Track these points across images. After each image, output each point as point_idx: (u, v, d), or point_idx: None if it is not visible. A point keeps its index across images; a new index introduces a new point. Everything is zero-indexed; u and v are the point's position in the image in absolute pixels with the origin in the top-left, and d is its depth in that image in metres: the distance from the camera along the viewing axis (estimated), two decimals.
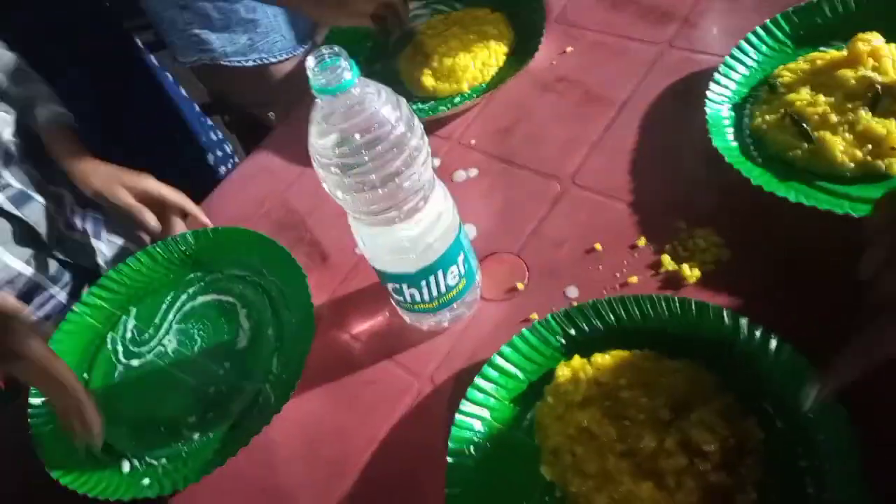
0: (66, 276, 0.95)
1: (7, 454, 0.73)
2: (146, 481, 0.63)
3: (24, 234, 0.89)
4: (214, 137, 1.41)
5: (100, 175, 0.89)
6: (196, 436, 0.66)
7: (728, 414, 0.50)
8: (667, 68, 0.80)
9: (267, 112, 1.27)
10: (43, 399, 0.71)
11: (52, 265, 0.93)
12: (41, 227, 0.89)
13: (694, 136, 0.69)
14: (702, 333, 0.55)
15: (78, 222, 0.97)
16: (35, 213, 0.89)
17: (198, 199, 0.91)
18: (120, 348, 0.77)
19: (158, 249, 0.81)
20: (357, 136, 0.48)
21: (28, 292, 0.92)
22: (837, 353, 0.42)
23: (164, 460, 0.65)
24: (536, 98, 0.83)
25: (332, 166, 0.49)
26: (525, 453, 0.56)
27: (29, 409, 0.70)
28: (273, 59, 1.18)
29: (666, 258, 0.63)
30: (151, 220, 0.86)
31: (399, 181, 0.50)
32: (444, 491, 0.54)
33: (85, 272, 0.97)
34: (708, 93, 0.70)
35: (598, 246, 0.67)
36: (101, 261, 0.98)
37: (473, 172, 0.78)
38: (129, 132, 1.26)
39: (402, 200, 0.52)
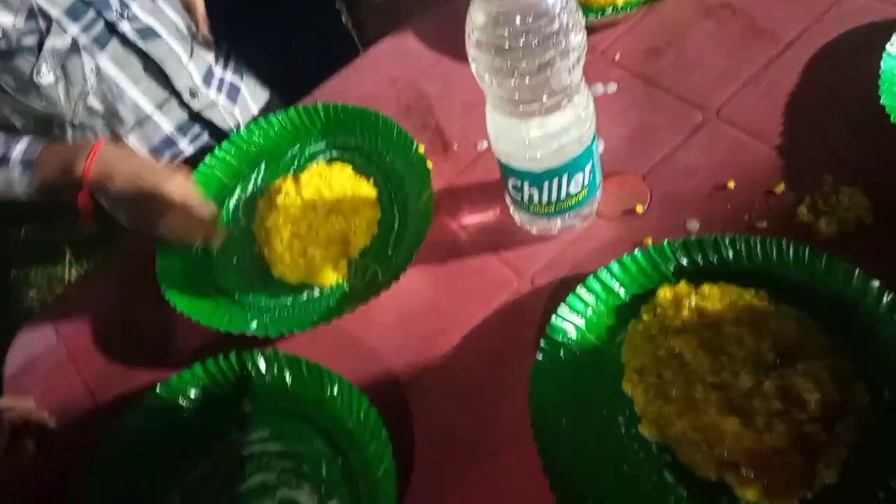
0: (197, 130, 1.01)
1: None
2: (254, 324, 0.69)
3: (154, 74, 0.93)
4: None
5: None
6: (306, 294, 0.71)
7: (837, 372, 0.49)
8: (846, 13, 0.73)
9: None
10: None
11: (184, 116, 0.98)
12: (169, 68, 0.93)
13: (861, 89, 0.64)
14: (826, 289, 0.53)
15: (216, 81, 1.01)
16: (161, 51, 0.92)
17: (329, 73, 0.93)
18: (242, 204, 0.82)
19: (290, 118, 0.84)
20: (518, 18, 0.47)
21: (159, 144, 0.98)
22: None
23: (275, 311, 0.70)
24: (695, 22, 0.79)
25: (486, 46, 0.49)
26: (612, 368, 0.56)
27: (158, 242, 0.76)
28: None
29: (803, 209, 0.60)
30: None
31: (549, 74, 0.50)
32: (528, 386, 0.55)
33: (216, 131, 1.02)
34: (888, 46, 0.64)
35: (730, 184, 0.64)
36: (232, 123, 1.02)
37: (612, 88, 0.76)
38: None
39: (546, 95, 0.52)
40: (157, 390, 0.65)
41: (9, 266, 2.03)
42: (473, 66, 0.52)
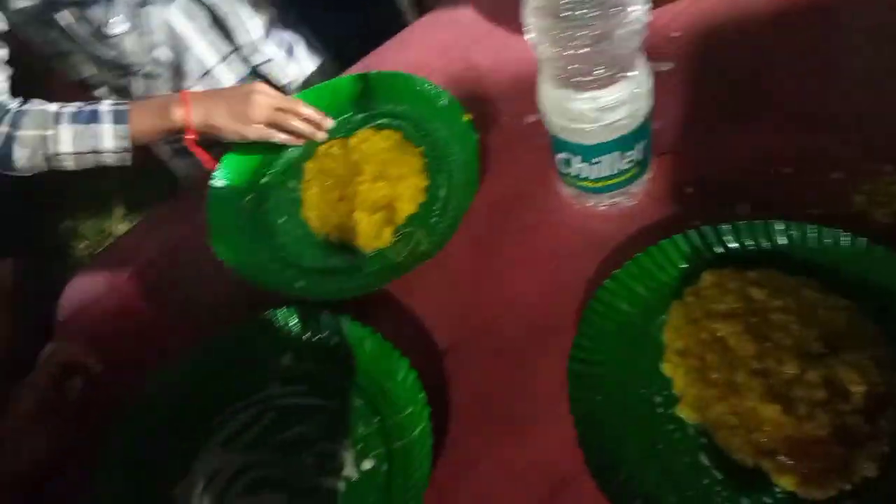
0: None
1: None
2: (299, 284, 0.70)
3: (218, 28, 0.94)
4: None
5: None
6: (350, 257, 0.72)
7: (884, 365, 0.48)
8: None
9: None
10: (221, 189, 0.79)
11: (244, 71, 1.00)
12: (231, 22, 0.94)
13: None
14: (878, 281, 0.52)
15: (276, 37, 1.02)
16: (225, 6, 0.93)
17: (383, 39, 0.93)
18: None
19: (341, 84, 0.85)
20: None
21: None
22: None
23: (320, 272, 0.72)
24: (762, 2, 0.76)
25: (545, 13, 0.49)
26: (652, 348, 0.56)
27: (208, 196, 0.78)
28: None
29: (860, 198, 0.58)
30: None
31: (609, 45, 0.49)
32: (566, 359, 0.56)
33: (272, 88, 1.03)
34: None
35: (786, 170, 0.63)
36: (286, 81, 1.04)
37: (669, 65, 0.74)
38: None
39: (604, 66, 0.51)
40: (203, 342, 0.67)
41: (60, 217, 2.10)
42: (530, 34, 0.52)
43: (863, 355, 0.48)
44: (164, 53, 0.92)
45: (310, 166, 0.78)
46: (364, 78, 0.84)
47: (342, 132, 0.83)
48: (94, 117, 0.80)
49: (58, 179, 0.87)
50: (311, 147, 0.83)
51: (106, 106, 0.81)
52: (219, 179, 0.80)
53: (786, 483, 0.47)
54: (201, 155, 0.82)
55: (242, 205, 0.80)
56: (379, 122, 0.82)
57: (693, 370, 0.53)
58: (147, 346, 0.74)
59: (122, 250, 0.87)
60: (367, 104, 0.84)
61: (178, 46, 0.92)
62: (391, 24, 0.98)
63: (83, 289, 0.83)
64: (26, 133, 0.80)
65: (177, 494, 0.62)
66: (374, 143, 0.76)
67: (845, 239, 0.53)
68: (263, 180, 0.82)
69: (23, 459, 0.65)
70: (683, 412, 0.52)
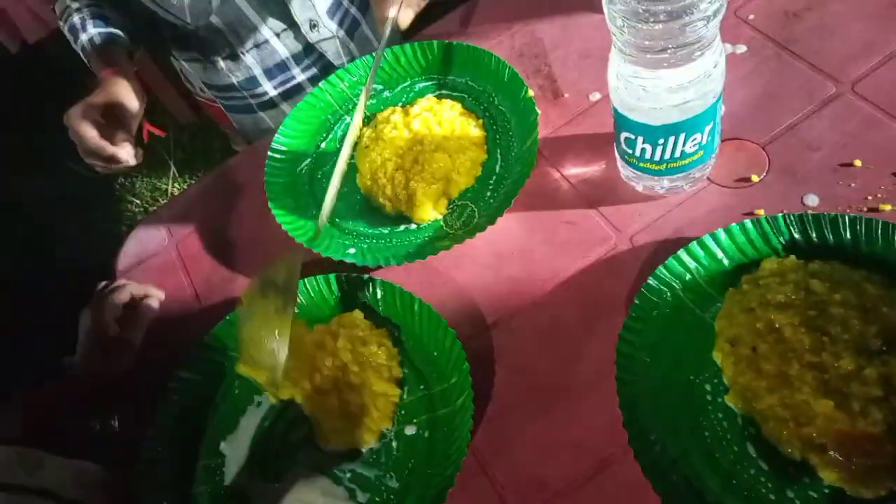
0: (310, 61, 1.03)
1: None
2: (352, 251, 0.71)
3: (277, 2, 0.95)
4: None
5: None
6: (403, 227, 0.72)
7: None
8: None
9: None
10: (280, 153, 0.80)
11: (299, 46, 1.00)
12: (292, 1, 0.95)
13: None
14: None
15: (341, 12, 1.02)
16: None
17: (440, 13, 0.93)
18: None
19: (403, 52, 0.84)
20: None
21: (273, 67, 1.01)
22: None
23: (373, 239, 0.72)
24: None
25: None
26: (704, 335, 0.56)
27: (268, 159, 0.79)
28: None
29: None
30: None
31: (685, 21, 0.48)
32: (615, 341, 0.55)
33: (328, 65, 1.04)
34: None
35: (857, 162, 0.61)
36: (345, 59, 1.04)
37: (741, 49, 0.72)
38: None
39: (678, 44, 0.50)
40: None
41: (115, 175, 2.17)
42: (607, 7, 0.51)
43: None
44: (217, 21, 0.93)
45: (367, 133, 0.79)
46: (427, 46, 0.83)
47: (403, 100, 0.83)
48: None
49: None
50: (371, 113, 0.83)
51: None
52: (278, 144, 0.81)
53: (834, 479, 0.46)
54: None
55: (301, 170, 0.81)
56: (441, 92, 0.82)
57: (744, 359, 0.52)
58: (205, 300, 0.77)
59: (185, 206, 0.89)
60: (430, 74, 0.84)
61: (231, 16, 0.93)
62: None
63: (145, 239, 0.86)
64: None
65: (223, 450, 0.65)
66: (435, 113, 0.75)
67: None
68: (322, 146, 0.83)
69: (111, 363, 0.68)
70: (732, 401, 0.52)
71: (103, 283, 0.74)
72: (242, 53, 0.98)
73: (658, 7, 0.47)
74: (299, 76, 1.04)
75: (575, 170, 0.71)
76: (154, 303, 0.74)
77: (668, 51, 0.50)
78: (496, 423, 0.59)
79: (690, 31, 0.49)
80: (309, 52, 1.02)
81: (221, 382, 0.68)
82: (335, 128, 0.84)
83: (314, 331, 0.66)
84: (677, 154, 0.59)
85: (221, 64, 1.00)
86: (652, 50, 0.51)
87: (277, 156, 0.81)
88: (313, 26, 0.99)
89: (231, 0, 0.91)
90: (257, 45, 0.98)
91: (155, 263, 0.83)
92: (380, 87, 0.86)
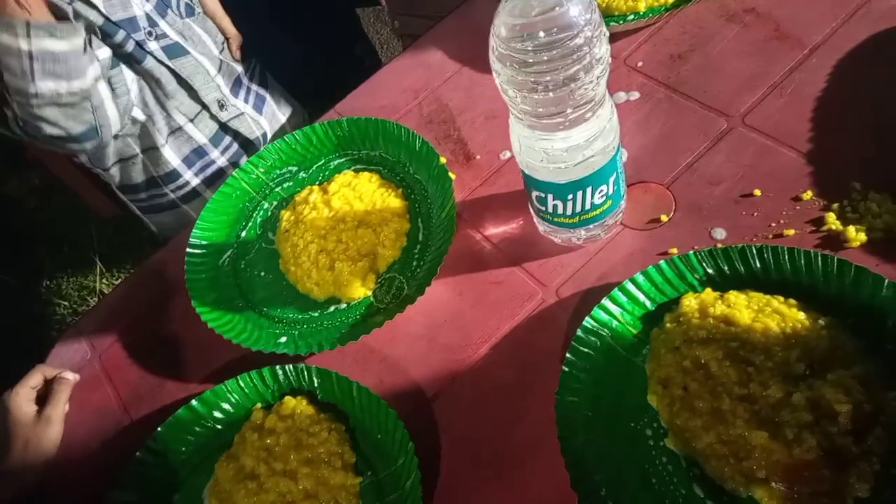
0: (227, 141, 1.03)
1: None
2: (283, 340, 0.69)
3: (185, 88, 0.96)
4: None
5: None
6: (333, 307, 0.71)
7: (868, 382, 0.48)
8: (872, 16, 0.72)
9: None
10: (199, 248, 0.79)
11: (214, 127, 1.01)
12: (197, 82, 0.96)
13: (889, 93, 0.64)
14: (855, 298, 0.52)
15: (243, 91, 1.04)
16: (189, 67, 0.95)
17: (353, 84, 0.94)
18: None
19: (314, 132, 0.85)
20: (542, 34, 0.48)
21: (191, 153, 1.00)
22: None
23: (303, 324, 0.71)
24: (718, 27, 0.78)
25: (510, 61, 0.49)
26: (638, 379, 0.56)
27: (187, 256, 0.78)
28: None
29: (831, 216, 0.59)
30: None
31: (573, 87, 0.50)
32: (554, 396, 0.56)
33: (245, 142, 1.04)
34: None
35: (756, 192, 0.64)
36: (259, 133, 1.05)
37: (634, 95, 0.76)
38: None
39: (570, 108, 0.52)
40: (194, 403, 0.66)
41: (40, 277, 2.09)
42: (497, 80, 0.53)
43: (846, 373, 0.48)
44: (137, 114, 0.93)
45: (286, 216, 0.78)
46: (338, 124, 0.84)
47: (320, 178, 0.83)
48: None
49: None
50: (289, 196, 0.83)
51: None
52: (196, 239, 0.80)
53: None
54: None
55: (223, 262, 0.79)
56: (356, 166, 0.83)
57: (678, 400, 0.53)
58: (134, 412, 0.73)
59: (105, 314, 0.85)
60: (343, 150, 0.85)
61: (148, 107, 0.93)
62: (360, 72, 0.99)
63: (67, 354, 0.82)
64: None
65: None
66: (354, 187, 0.76)
67: (819, 259, 0.54)
68: (243, 234, 0.82)
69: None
70: (672, 444, 0.52)
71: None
72: (159, 146, 0.97)
73: (545, 78, 0.49)
74: (220, 159, 1.03)
75: (495, 229, 0.72)
76: (69, 376, 0.75)
77: (562, 114, 0.52)
78: (447, 498, 0.58)
79: (580, 95, 0.51)
80: (224, 132, 1.02)
81: (163, 502, 0.65)
82: (254, 215, 0.83)
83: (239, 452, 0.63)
84: (588, 206, 0.61)
85: (140, 160, 0.99)
86: (546, 115, 0.52)
87: (197, 251, 0.79)
88: (222, 106, 0.99)
89: (143, 88, 0.91)
90: (173, 133, 0.98)
91: (85, 374, 0.79)
92: (294, 168, 0.86)
